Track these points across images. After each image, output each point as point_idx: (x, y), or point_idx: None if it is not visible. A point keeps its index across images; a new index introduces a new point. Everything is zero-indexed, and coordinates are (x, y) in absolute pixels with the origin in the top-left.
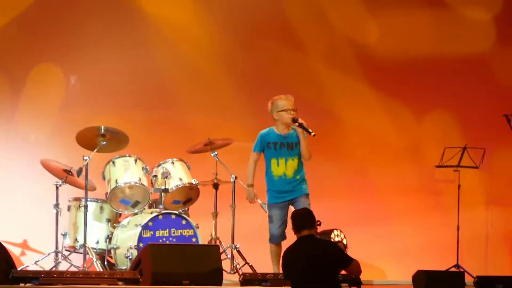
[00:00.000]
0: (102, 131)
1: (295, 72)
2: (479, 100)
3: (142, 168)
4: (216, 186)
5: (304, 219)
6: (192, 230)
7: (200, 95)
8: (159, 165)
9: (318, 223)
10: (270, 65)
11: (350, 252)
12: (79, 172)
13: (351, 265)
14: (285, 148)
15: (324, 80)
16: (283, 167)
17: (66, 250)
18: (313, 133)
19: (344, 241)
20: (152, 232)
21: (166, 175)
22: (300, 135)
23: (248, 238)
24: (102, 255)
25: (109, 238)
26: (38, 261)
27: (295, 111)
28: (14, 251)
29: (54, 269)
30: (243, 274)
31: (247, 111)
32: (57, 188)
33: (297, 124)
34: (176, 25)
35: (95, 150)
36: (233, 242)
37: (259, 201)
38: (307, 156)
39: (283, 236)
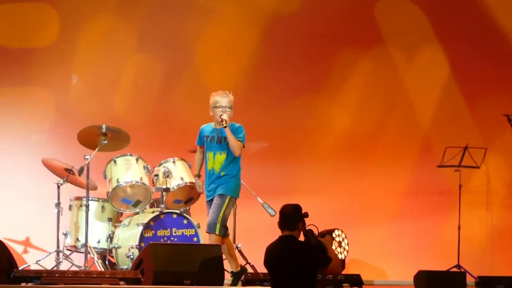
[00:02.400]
0: (104, 130)
1: (302, 70)
2: (481, 99)
3: (144, 167)
4: None
5: (289, 220)
6: (193, 229)
7: (201, 94)
8: (161, 164)
9: (305, 214)
10: (274, 64)
11: (351, 252)
12: (80, 171)
13: (329, 266)
14: (214, 142)
15: (324, 77)
16: (212, 162)
17: (68, 249)
18: (224, 124)
19: (345, 241)
20: (153, 231)
21: (167, 174)
22: (227, 131)
23: (250, 237)
24: (103, 254)
25: (110, 238)
26: (39, 260)
27: (230, 109)
28: (17, 249)
29: (55, 268)
30: (245, 274)
31: (249, 110)
32: (58, 187)
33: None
34: (178, 24)
35: (97, 149)
36: (234, 241)
37: (260, 200)
38: (235, 152)
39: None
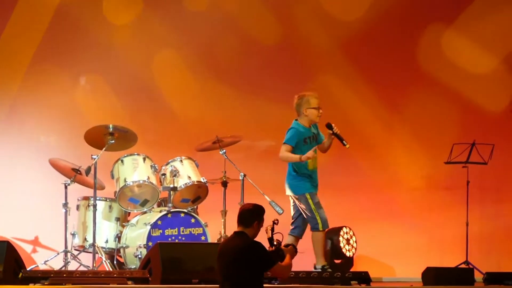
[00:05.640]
0: (111, 129)
1: (299, 71)
2: (487, 96)
3: (151, 166)
4: (224, 184)
5: (244, 216)
6: (201, 228)
7: (207, 94)
8: (168, 163)
9: (276, 221)
10: (282, 63)
11: (359, 249)
12: (87, 171)
13: (274, 268)
14: (314, 142)
15: (327, 78)
16: (315, 160)
17: (76, 249)
18: (348, 145)
19: (353, 239)
20: (161, 230)
21: (174, 174)
22: (329, 137)
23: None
24: (111, 254)
25: (118, 237)
26: (48, 260)
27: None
28: (26, 248)
29: (63, 268)
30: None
31: (255, 110)
32: (66, 187)
33: (331, 132)
34: (182, 24)
35: (104, 148)
36: None
37: (267, 198)
38: (325, 152)
39: None
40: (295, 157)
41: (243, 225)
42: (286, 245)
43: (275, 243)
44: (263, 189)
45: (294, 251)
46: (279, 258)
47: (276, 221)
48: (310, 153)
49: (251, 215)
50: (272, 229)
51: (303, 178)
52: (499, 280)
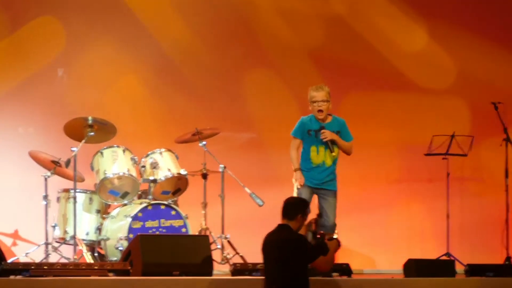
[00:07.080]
0: (90, 121)
1: (282, 63)
2: (467, 87)
3: (131, 158)
4: (204, 176)
5: (288, 209)
6: (181, 220)
7: (187, 85)
8: (148, 155)
9: (320, 215)
10: (262, 57)
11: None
12: (67, 163)
13: (315, 262)
14: (318, 137)
15: (313, 73)
16: (322, 156)
17: (56, 241)
18: (333, 153)
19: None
20: (142, 223)
21: (154, 166)
22: (338, 142)
23: (238, 228)
24: (92, 246)
25: (99, 229)
26: (29, 253)
27: (327, 102)
28: (6, 241)
29: (44, 261)
30: (234, 264)
31: (236, 102)
32: (45, 179)
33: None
34: (160, 16)
35: (83, 141)
36: (223, 232)
37: (248, 190)
38: (349, 153)
39: None
40: (294, 164)
41: (287, 218)
42: (330, 239)
43: (318, 236)
44: (244, 181)
45: (337, 245)
46: (322, 252)
47: (320, 215)
48: (299, 180)
49: (295, 208)
50: (316, 223)
51: (304, 171)
52: (480, 272)
